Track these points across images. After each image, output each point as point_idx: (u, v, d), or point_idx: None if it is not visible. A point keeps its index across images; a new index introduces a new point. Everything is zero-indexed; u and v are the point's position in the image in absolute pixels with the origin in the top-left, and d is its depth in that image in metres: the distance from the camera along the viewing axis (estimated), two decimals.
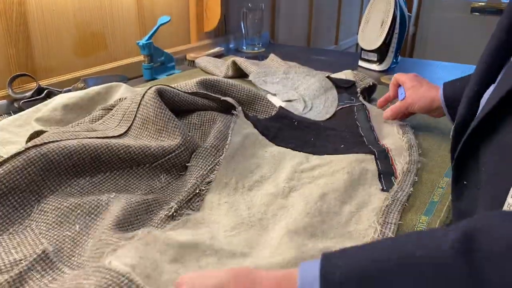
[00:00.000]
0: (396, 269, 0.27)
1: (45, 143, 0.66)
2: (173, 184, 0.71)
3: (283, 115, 0.91)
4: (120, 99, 0.93)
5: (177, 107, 0.82)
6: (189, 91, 0.85)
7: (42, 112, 0.93)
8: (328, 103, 0.98)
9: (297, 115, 0.93)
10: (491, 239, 0.26)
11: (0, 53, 1.09)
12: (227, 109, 0.87)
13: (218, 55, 1.60)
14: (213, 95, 0.86)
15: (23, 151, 0.64)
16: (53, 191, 0.65)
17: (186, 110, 0.84)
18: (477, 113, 0.51)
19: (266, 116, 0.93)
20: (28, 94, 1.07)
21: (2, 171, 0.62)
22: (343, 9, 2.66)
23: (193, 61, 1.50)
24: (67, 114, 0.93)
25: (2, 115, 1.00)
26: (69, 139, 0.69)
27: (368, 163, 0.75)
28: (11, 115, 0.98)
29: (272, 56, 1.44)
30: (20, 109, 1.03)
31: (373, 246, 0.31)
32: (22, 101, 1.05)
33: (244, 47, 1.72)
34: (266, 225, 0.59)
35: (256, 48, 1.70)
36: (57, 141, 0.68)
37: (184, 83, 0.91)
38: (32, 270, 0.51)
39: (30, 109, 0.99)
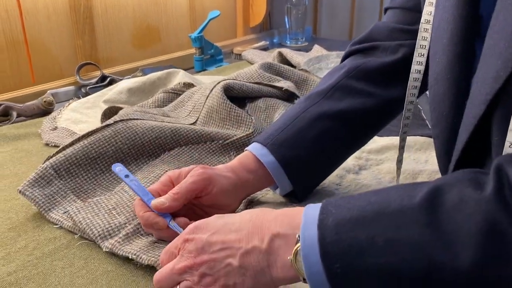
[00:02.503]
0: (374, 217, 0.34)
1: (131, 119, 0.72)
2: None
3: None
4: (179, 83, 0.98)
5: (246, 94, 0.87)
6: (254, 81, 0.91)
7: (109, 94, 0.99)
8: None
9: None
10: (450, 197, 0.33)
11: (69, 43, 1.16)
12: (288, 97, 0.92)
13: (263, 49, 1.65)
14: (276, 85, 0.91)
15: (112, 123, 0.70)
16: (135, 159, 0.70)
17: (253, 97, 0.88)
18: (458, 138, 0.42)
19: None
20: (93, 81, 1.13)
21: (93, 138, 0.67)
22: (385, 3, 2.66)
23: (240, 55, 1.55)
24: (131, 97, 0.99)
25: (72, 98, 1.06)
26: (151, 120, 0.75)
27: (433, 145, 0.77)
28: (80, 99, 1.04)
29: (316, 47, 1.47)
30: (87, 94, 1.09)
31: (360, 198, 0.37)
32: (89, 87, 1.11)
33: (288, 42, 1.75)
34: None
35: (299, 42, 1.73)
36: (141, 119, 0.73)
37: (248, 68, 0.96)
38: (137, 233, 0.55)
39: (96, 93, 1.05)
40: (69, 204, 0.61)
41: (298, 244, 0.36)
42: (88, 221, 0.56)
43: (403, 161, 0.74)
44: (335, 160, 0.63)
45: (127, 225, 0.57)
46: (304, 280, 0.36)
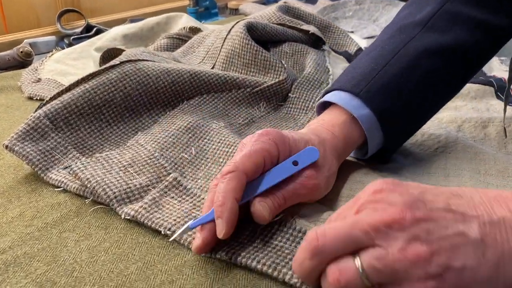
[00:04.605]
0: None
1: (141, 60, 0.58)
2: (273, 114, 0.63)
3: None
4: (184, 28, 0.85)
5: (269, 38, 0.74)
6: (276, 22, 0.78)
7: (101, 42, 0.85)
8: None
9: None
10: None
11: None
12: (314, 42, 0.80)
13: (261, 4, 1.51)
14: (302, 28, 0.78)
15: (118, 64, 0.56)
16: (148, 109, 0.57)
17: (276, 41, 0.76)
18: None
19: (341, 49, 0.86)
20: (78, 30, 0.98)
21: (95, 82, 0.54)
22: None
23: (236, 9, 1.40)
24: (127, 44, 0.86)
25: (54, 48, 0.91)
26: (162, 63, 0.61)
27: (488, 93, 0.67)
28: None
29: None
30: (71, 45, 0.94)
31: None
32: (72, 37, 0.96)
33: None
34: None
35: None
36: (152, 61, 0.60)
37: (264, 11, 0.83)
38: (166, 196, 0.43)
39: (83, 43, 0.90)
40: (72, 162, 0.48)
41: None
42: (98, 178, 0.44)
43: (461, 109, 0.65)
44: (436, 108, 0.49)
45: (150, 188, 0.44)
46: None
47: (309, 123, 0.46)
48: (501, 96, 0.68)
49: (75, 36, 0.96)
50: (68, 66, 0.82)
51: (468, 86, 0.68)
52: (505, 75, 0.76)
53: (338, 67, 0.73)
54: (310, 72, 0.67)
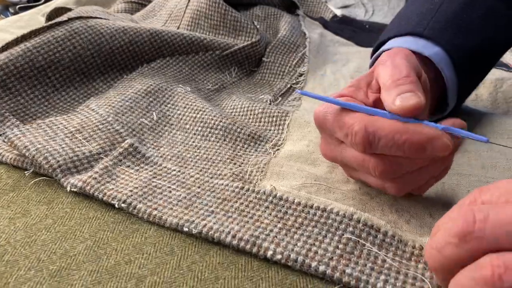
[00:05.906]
0: None
1: (93, 17, 0.51)
2: (245, 80, 0.57)
3: (349, 19, 0.80)
4: None
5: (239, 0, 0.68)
6: None
7: (51, 7, 0.76)
8: (394, 2, 0.85)
9: (365, 20, 0.81)
10: None
11: None
12: (286, 7, 0.74)
13: None
14: None
15: (65, 21, 0.48)
16: (103, 72, 0.50)
17: (246, 4, 0.69)
18: None
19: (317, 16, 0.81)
20: None
21: (39, 41, 0.46)
22: None
23: None
24: None
25: None
26: (117, 21, 0.54)
27: None
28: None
29: None
30: (16, 15, 0.84)
31: None
32: (18, 6, 0.86)
33: None
34: None
35: None
36: (106, 19, 0.53)
37: None
38: (121, 165, 0.36)
39: (31, 10, 0.81)
40: (10, 130, 0.40)
41: None
42: (39, 146, 0.36)
43: None
44: (499, 53, 0.43)
45: (102, 156, 0.37)
46: None
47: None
48: None
49: (22, 5, 0.87)
50: (14, 36, 0.72)
51: None
52: None
53: (314, 32, 0.67)
54: (285, 35, 0.62)
